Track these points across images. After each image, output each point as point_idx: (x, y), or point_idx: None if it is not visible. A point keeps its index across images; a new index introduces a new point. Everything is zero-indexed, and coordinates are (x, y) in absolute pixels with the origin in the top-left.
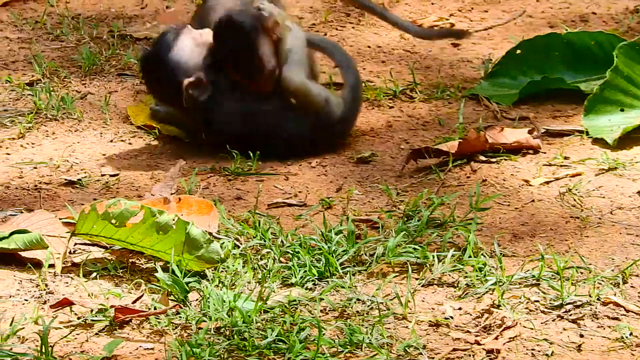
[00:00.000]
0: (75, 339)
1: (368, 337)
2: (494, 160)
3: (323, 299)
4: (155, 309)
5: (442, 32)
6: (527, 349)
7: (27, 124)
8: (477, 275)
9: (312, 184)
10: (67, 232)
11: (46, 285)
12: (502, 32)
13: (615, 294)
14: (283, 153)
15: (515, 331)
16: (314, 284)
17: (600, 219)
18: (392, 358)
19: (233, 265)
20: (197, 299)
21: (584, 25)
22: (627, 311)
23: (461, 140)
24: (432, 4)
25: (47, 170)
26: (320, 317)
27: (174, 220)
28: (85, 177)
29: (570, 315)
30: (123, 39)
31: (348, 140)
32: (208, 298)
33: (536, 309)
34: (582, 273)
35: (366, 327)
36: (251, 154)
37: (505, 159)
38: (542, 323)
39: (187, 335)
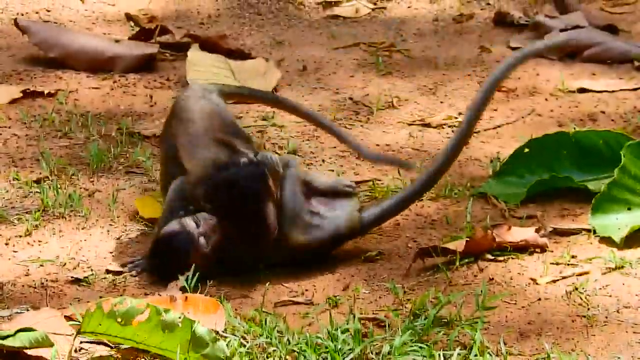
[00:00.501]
0: None
1: None
2: (501, 258)
3: None
4: None
5: (391, 159)
6: None
7: (34, 221)
8: None
9: (319, 282)
10: (73, 331)
11: None
12: (510, 131)
13: None
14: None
15: None
16: None
17: (606, 317)
18: None
19: None
20: None
21: (592, 124)
22: None
23: (468, 239)
24: (441, 102)
25: (53, 267)
26: None
27: (180, 318)
28: (91, 274)
29: None
30: (131, 137)
31: (355, 240)
32: None
33: None
34: None
35: None
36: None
37: (512, 258)
38: None
39: None
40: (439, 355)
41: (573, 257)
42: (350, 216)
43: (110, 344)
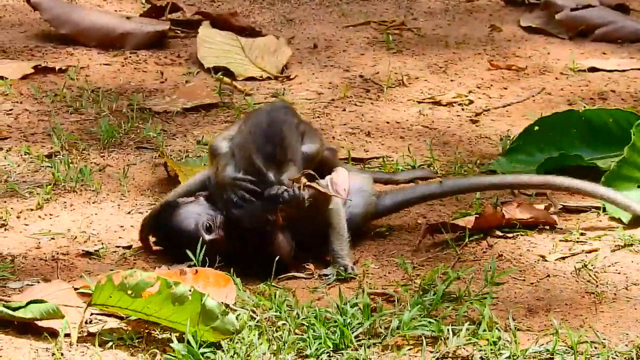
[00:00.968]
0: None
1: None
2: (510, 235)
3: None
4: None
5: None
6: None
7: (45, 195)
8: (491, 349)
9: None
10: (84, 303)
11: (62, 354)
12: (520, 109)
13: None
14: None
15: None
16: (329, 356)
17: (615, 294)
18: None
19: (248, 337)
20: None
21: (602, 103)
22: None
23: (478, 216)
24: (452, 80)
25: (64, 241)
26: None
27: (190, 291)
28: (102, 248)
29: None
30: (142, 112)
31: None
32: None
33: None
34: (596, 348)
35: None
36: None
37: (522, 235)
38: None
39: None
40: (448, 330)
41: (582, 234)
42: (366, 203)
43: (121, 316)
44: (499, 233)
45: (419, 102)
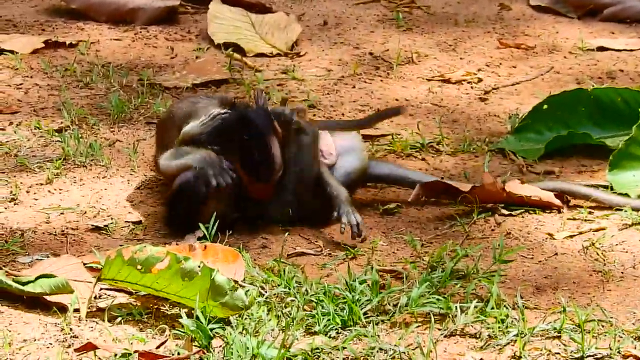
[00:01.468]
0: None
1: None
2: (517, 213)
3: (346, 348)
4: (179, 354)
5: (380, 115)
6: None
7: (55, 170)
8: (499, 327)
9: (337, 235)
10: (93, 277)
11: (71, 329)
12: (529, 88)
13: (635, 347)
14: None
15: None
16: (337, 333)
17: (622, 273)
18: None
19: (257, 313)
20: (220, 345)
21: (610, 82)
22: None
23: (475, 185)
24: (461, 58)
25: (74, 216)
26: None
27: (199, 267)
28: (111, 223)
29: None
30: (152, 88)
31: (374, 192)
32: (231, 345)
33: None
34: (603, 326)
35: None
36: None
37: (530, 213)
38: None
39: None
40: (456, 307)
41: (590, 212)
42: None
43: (130, 291)
44: (505, 212)
45: (429, 80)
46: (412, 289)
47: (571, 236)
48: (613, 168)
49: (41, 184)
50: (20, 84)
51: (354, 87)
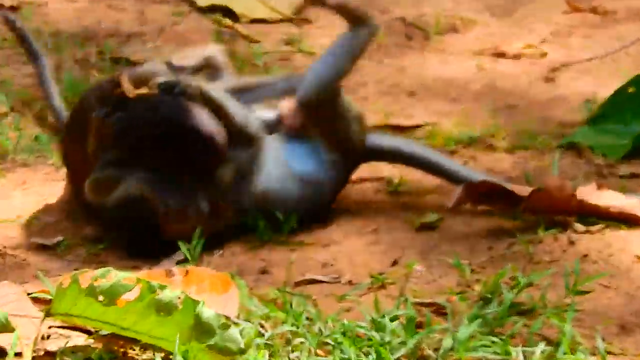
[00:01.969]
0: None
1: None
2: (597, 229)
3: None
4: None
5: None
6: None
7: None
8: None
9: (360, 256)
10: (40, 312)
11: None
12: (609, 64)
13: None
14: None
15: None
16: None
17: None
18: None
19: (256, 358)
20: None
21: None
22: None
23: (537, 189)
24: (520, 26)
25: (13, 230)
26: None
27: (179, 298)
28: (63, 240)
29: None
30: (116, 63)
31: (408, 200)
32: None
33: None
34: None
35: None
36: (279, 216)
37: (613, 228)
38: None
39: None
40: (517, 352)
41: None
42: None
43: (89, 330)
44: (580, 227)
45: (477, 54)
46: (459, 328)
47: None
48: None
49: None
50: None
51: (379, 62)
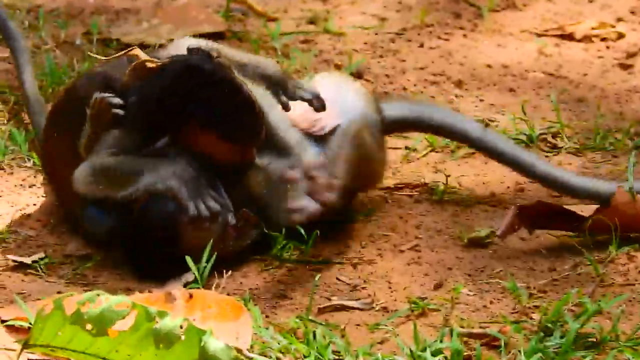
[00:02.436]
0: None
1: None
2: None
3: None
4: None
5: None
6: None
7: None
8: None
9: (397, 277)
10: (17, 342)
11: None
12: None
13: None
14: None
15: None
16: None
17: None
18: None
19: None
20: None
21: None
22: None
23: (603, 205)
24: (590, 1)
25: None
26: None
27: (182, 327)
28: (44, 257)
29: None
30: (106, 45)
31: (454, 211)
32: None
33: None
34: None
35: None
36: (303, 233)
37: None
38: None
39: None
40: None
41: None
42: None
43: None
44: None
45: (539, 35)
46: None
47: None
48: None
49: None
50: None
51: (421, 45)
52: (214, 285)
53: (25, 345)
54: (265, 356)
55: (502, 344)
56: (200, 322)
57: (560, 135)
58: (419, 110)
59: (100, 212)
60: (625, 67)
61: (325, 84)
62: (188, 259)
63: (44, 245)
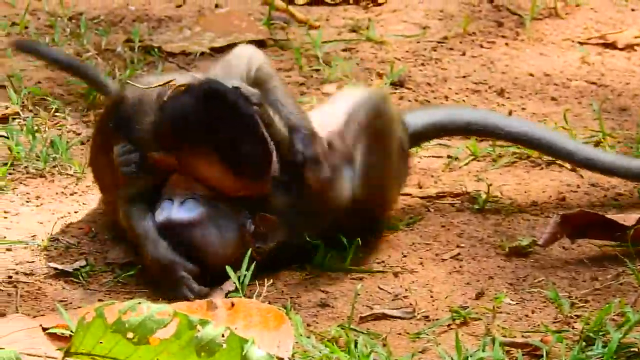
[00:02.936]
0: None
1: None
2: None
3: None
4: None
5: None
6: None
7: None
8: None
9: (439, 286)
10: (58, 350)
11: None
12: None
13: None
14: None
15: None
16: None
17: None
18: None
19: None
20: None
21: None
22: None
23: None
24: (633, 9)
25: (27, 253)
26: None
27: (223, 336)
28: (86, 265)
29: None
30: (147, 53)
31: (496, 220)
32: None
33: None
34: None
35: None
36: (345, 242)
37: None
38: None
39: None
40: None
41: None
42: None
43: None
44: None
45: (581, 44)
46: None
47: None
48: None
49: None
50: None
51: (463, 54)
52: (256, 294)
53: (67, 354)
54: None
55: (544, 353)
56: (242, 331)
57: (602, 144)
58: (444, 114)
59: None
60: None
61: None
62: (228, 268)
63: (86, 253)
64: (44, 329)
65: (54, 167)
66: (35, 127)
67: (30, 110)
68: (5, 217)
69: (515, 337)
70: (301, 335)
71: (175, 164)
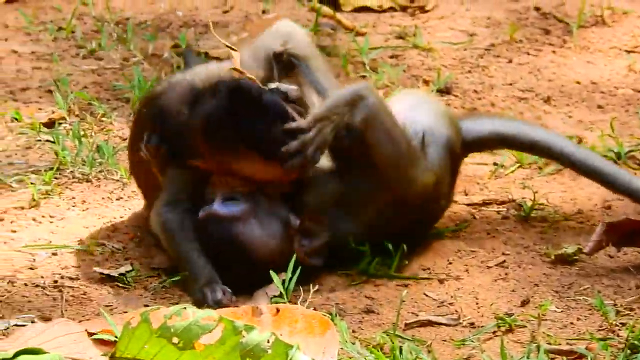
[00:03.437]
0: None
1: None
2: None
3: None
4: None
5: None
6: None
7: (43, 185)
8: None
9: (484, 293)
10: (104, 355)
11: None
12: None
13: None
14: None
15: None
16: None
17: None
18: None
19: None
20: None
21: None
22: None
23: None
24: None
25: (72, 258)
26: None
27: (269, 341)
28: (130, 271)
29: None
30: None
31: (541, 227)
32: None
33: None
34: None
35: None
36: (391, 248)
37: None
38: None
39: None
40: None
41: None
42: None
43: None
44: None
45: (628, 52)
46: None
47: None
48: None
49: (22, 208)
50: None
51: (510, 61)
52: (300, 300)
53: (112, 358)
54: None
55: None
56: (287, 337)
57: None
58: (511, 127)
59: None
60: None
61: (402, 100)
62: (272, 273)
63: (131, 258)
64: (89, 334)
65: (100, 172)
66: (82, 132)
67: (77, 115)
68: (51, 222)
69: (560, 344)
70: (346, 341)
71: (213, 167)
